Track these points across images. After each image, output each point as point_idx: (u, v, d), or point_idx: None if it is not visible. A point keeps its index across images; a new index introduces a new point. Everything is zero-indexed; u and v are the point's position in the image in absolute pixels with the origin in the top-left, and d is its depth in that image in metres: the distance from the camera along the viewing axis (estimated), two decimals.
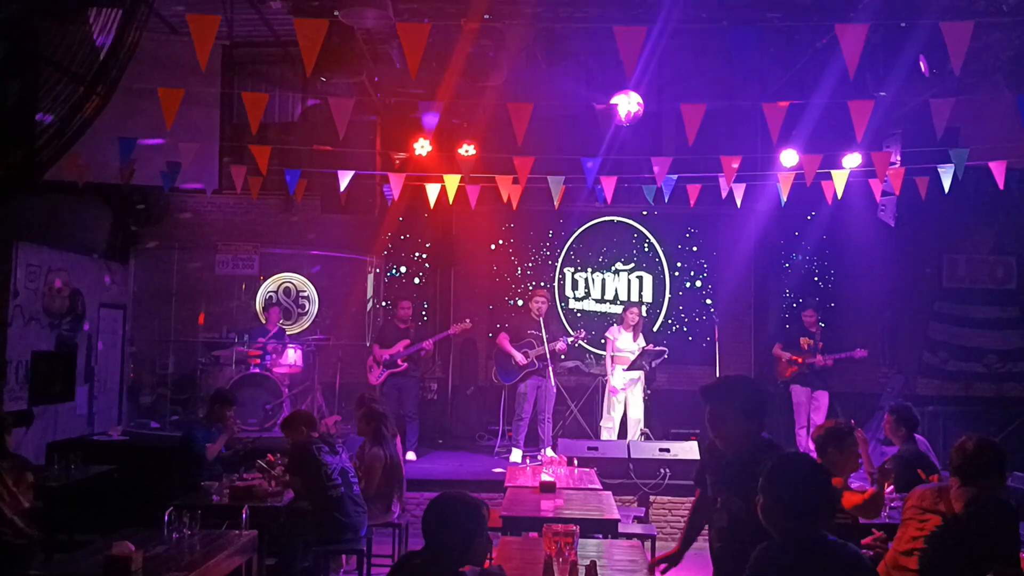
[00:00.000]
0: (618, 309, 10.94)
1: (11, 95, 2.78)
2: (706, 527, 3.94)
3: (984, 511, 3.81)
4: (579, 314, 11.42)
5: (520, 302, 11.19)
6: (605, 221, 11.49)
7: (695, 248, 11.44)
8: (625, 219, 11.47)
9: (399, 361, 9.51)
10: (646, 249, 11.48)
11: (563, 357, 9.74)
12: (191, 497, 5.93)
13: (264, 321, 10.47)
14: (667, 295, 11.39)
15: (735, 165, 8.15)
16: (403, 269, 11.35)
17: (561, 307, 11.33)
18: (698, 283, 11.42)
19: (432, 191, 9.14)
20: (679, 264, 11.43)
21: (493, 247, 11.50)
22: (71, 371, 9.13)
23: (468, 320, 9.84)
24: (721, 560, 3.75)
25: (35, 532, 4.97)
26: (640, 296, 11.40)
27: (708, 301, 11.33)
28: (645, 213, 11.32)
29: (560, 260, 11.49)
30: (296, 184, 8.99)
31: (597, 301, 11.47)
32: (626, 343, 9.54)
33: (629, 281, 11.48)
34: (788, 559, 2.96)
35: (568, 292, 11.47)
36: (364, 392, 7.61)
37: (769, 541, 3.07)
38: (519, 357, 9.30)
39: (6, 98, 2.77)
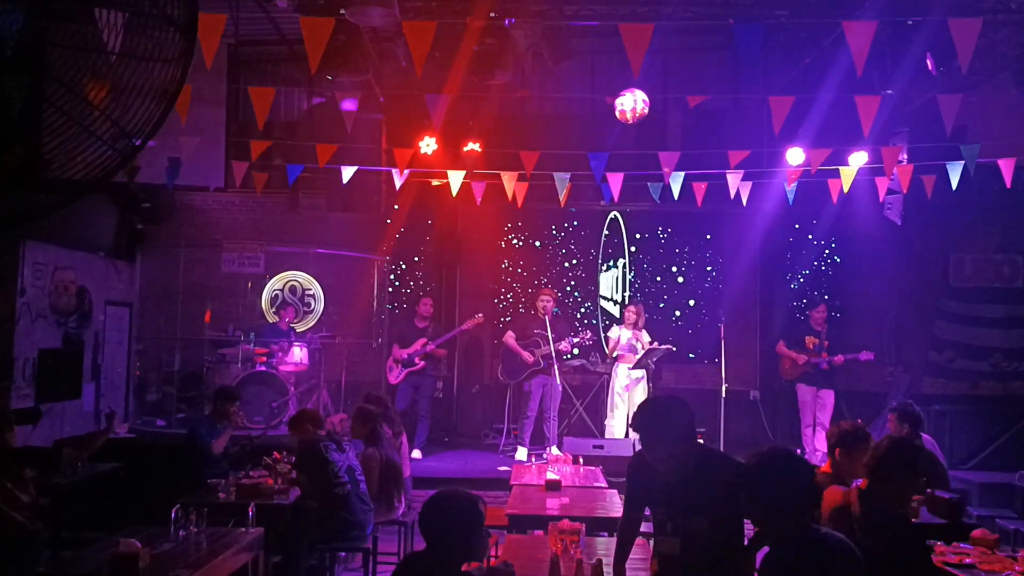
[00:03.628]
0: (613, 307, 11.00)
1: (18, 92, 2.75)
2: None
3: (892, 546, 3.48)
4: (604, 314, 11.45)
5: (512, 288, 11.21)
6: (611, 220, 11.48)
7: (700, 247, 11.41)
8: (631, 218, 11.45)
9: (417, 360, 9.54)
10: (651, 248, 11.46)
11: (569, 356, 9.71)
12: (198, 495, 5.95)
13: (276, 320, 10.49)
14: (670, 294, 11.36)
15: (740, 165, 8.14)
16: (408, 267, 11.35)
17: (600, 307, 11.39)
18: (704, 282, 11.39)
19: (437, 189, 9.15)
20: (683, 263, 11.41)
21: (499, 246, 11.49)
22: (78, 369, 9.16)
23: (480, 315, 9.88)
24: None
25: (38, 526, 4.97)
26: (627, 293, 11.38)
27: (714, 300, 11.30)
28: (651, 215, 11.30)
29: (558, 258, 11.47)
30: (296, 178, 8.98)
31: (605, 300, 11.47)
32: (629, 343, 9.53)
33: (630, 280, 11.47)
34: (791, 559, 2.94)
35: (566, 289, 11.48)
36: (370, 391, 7.61)
37: (769, 550, 3.05)
38: (526, 356, 9.30)
39: (14, 94, 2.74)
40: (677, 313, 11.38)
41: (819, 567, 2.90)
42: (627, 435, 9.23)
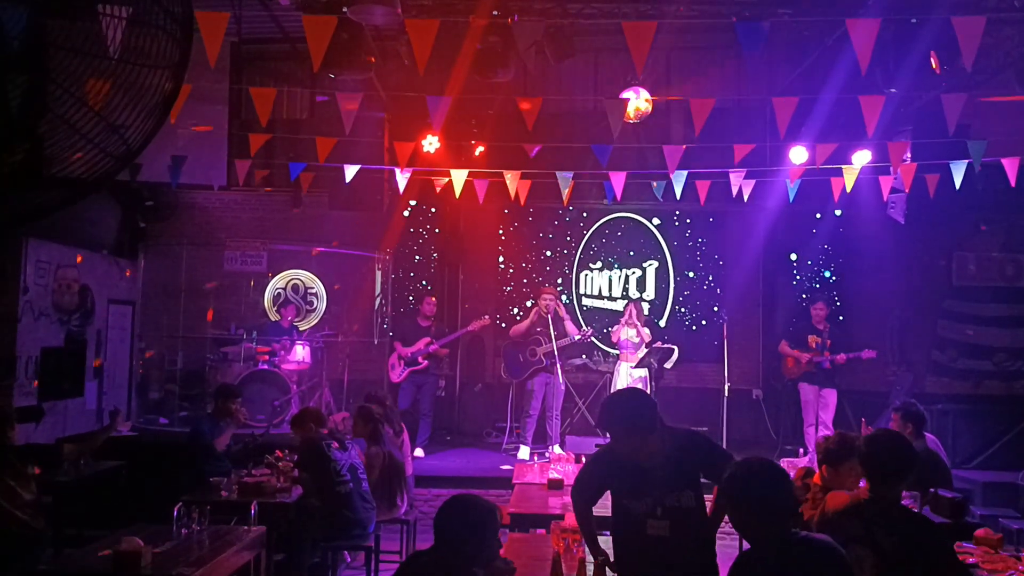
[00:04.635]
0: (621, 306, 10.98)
1: (18, 89, 2.75)
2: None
3: (911, 540, 3.43)
4: (593, 312, 11.40)
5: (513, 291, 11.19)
6: (614, 218, 11.47)
7: (704, 246, 11.40)
8: (635, 216, 11.44)
9: (420, 359, 9.53)
10: (654, 247, 11.45)
11: (578, 337, 9.63)
12: (200, 493, 5.96)
13: (278, 318, 10.48)
14: (674, 293, 11.36)
15: (743, 162, 8.12)
16: (411, 266, 11.34)
17: (577, 305, 11.34)
18: (706, 281, 11.38)
19: (440, 187, 9.15)
20: (687, 262, 11.39)
21: (501, 244, 11.48)
22: (80, 367, 9.16)
23: (486, 316, 9.88)
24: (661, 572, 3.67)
25: (40, 523, 4.98)
26: (645, 293, 11.37)
27: (716, 299, 11.28)
28: (654, 213, 11.29)
29: (560, 257, 11.46)
30: (299, 174, 8.97)
31: (608, 299, 11.45)
32: (630, 340, 9.53)
33: (635, 278, 11.44)
34: (766, 563, 2.99)
35: (582, 290, 11.47)
36: (370, 390, 7.61)
37: (745, 551, 3.10)
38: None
39: (13, 92, 2.74)
40: (680, 312, 11.37)
41: (804, 568, 2.94)
42: None
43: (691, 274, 11.39)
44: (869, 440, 3.78)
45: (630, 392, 3.87)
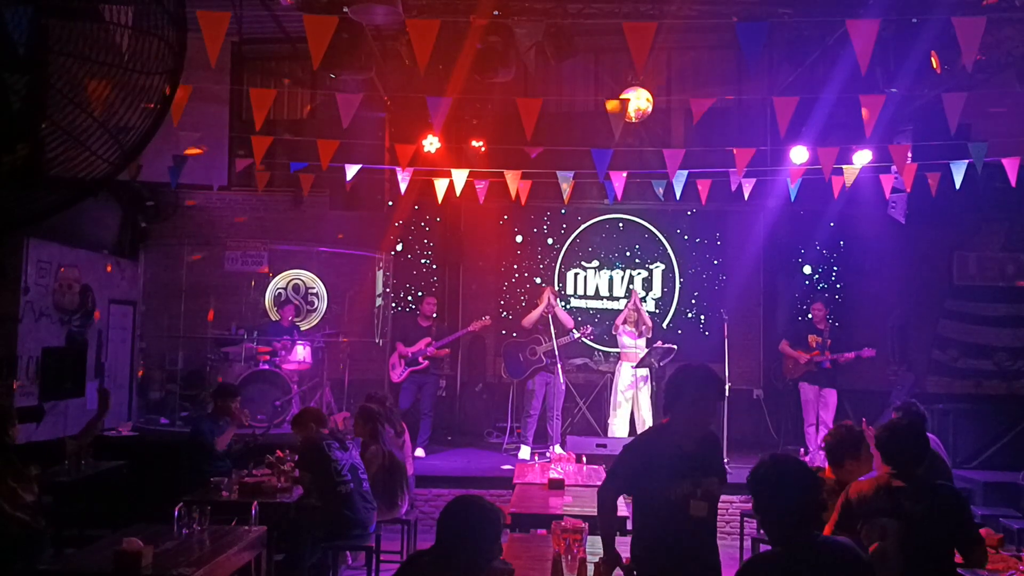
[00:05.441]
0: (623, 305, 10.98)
1: (19, 90, 2.76)
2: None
3: (937, 506, 3.74)
4: (590, 312, 11.39)
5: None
6: (615, 218, 11.46)
7: (704, 245, 11.40)
8: (635, 217, 11.43)
9: (420, 359, 9.54)
10: (656, 247, 11.45)
11: (576, 335, 9.63)
12: (201, 493, 5.96)
13: (277, 318, 10.48)
14: (676, 293, 11.36)
15: (747, 158, 8.11)
16: (412, 266, 11.34)
17: (564, 305, 11.30)
18: (707, 280, 11.37)
19: (441, 187, 9.15)
20: (688, 261, 11.39)
21: (501, 244, 11.48)
22: (81, 367, 9.16)
23: (487, 317, 9.89)
24: (696, 553, 3.72)
25: (41, 524, 4.98)
26: (652, 292, 11.37)
27: (718, 299, 11.27)
28: (655, 213, 11.29)
29: (560, 257, 11.45)
30: (300, 176, 8.96)
31: (608, 299, 11.44)
32: (630, 340, 9.53)
33: (637, 278, 11.44)
34: (784, 563, 2.99)
35: (569, 290, 11.46)
36: (371, 390, 7.60)
37: (763, 551, 3.10)
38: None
39: (13, 93, 2.75)
40: (682, 311, 11.37)
41: (821, 571, 2.93)
42: (630, 434, 9.23)
43: (691, 274, 11.38)
44: (890, 430, 3.98)
45: (701, 364, 3.92)
